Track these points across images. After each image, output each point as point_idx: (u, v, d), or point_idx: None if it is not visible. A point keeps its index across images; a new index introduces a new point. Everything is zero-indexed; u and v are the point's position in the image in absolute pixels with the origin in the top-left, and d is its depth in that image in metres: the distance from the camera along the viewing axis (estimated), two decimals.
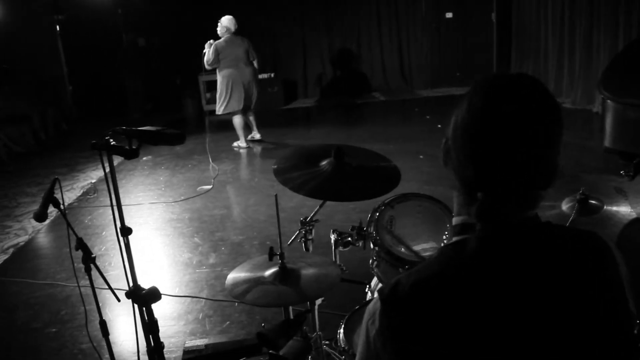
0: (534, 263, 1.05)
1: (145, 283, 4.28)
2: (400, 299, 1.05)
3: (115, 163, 7.08)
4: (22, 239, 5.70)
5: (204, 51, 8.06)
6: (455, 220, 1.16)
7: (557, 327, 1.03)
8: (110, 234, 5.54)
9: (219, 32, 8.14)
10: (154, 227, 5.68)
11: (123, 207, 6.49)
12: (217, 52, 8.03)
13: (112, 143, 1.85)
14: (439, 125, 9.03)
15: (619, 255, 1.13)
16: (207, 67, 8.14)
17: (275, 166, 2.33)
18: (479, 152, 1.06)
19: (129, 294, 2.00)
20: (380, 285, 2.75)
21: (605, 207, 2.58)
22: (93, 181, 7.41)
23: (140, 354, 2.45)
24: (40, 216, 2.73)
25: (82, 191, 7.04)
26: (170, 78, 12.24)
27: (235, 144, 8.64)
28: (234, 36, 8.12)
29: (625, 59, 5.45)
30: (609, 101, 5.11)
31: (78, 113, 11.70)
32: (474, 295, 1.02)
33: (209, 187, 6.79)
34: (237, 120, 8.38)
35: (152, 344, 2.03)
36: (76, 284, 4.48)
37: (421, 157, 7.20)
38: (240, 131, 8.46)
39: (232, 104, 8.22)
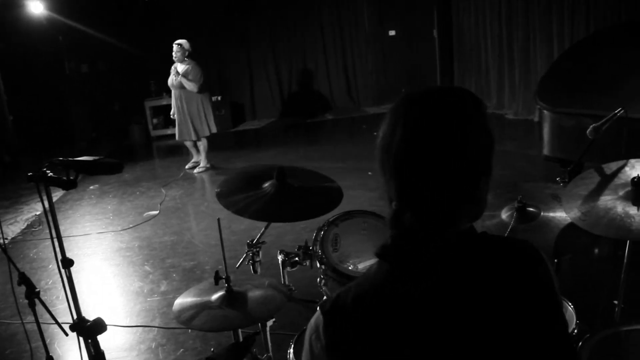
0: (468, 273, 1.07)
1: (94, 315, 4.19)
2: (342, 313, 1.07)
3: (61, 193, 6.92)
4: None
5: (174, 77, 7.80)
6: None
7: (494, 335, 1.06)
8: (57, 266, 5.39)
9: (179, 54, 7.76)
10: (103, 257, 5.57)
11: (70, 238, 6.33)
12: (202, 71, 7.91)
13: (49, 174, 1.83)
14: None
15: (549, 263, 1.16)
16: (195, 89, 7.80)
17: (218, 189, 2.34)
18: (384, 166, 1.10)
19: (73, 327, 1.96)
20: None
21: (542, 213, 2.67)
22: (37, 213, 7.22)
23: None
24: None
25: (26, 224, 6.85)
26: (116, 104, 12.07)
27: (200, 169, 8.40)
28: None
29: (558, 71, 5.68)
30: (545, 111, 5.31)
31: (20, 144, 11.38)
32: (410, 307, 1.05)
33: (156, 212, 6.72)
34: (207, 142, 8.30)
35: None
36: (20, 322, 4.37)
37: (370, 173, 7.28)
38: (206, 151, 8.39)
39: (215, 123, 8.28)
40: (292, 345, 2.11)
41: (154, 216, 6.61)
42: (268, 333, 2.53)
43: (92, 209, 7.12)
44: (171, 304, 4.34)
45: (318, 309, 1.11)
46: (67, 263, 1.96)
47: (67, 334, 3.21)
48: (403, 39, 12.91)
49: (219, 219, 2.01)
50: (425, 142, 1.05)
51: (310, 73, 12.96)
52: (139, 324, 4.14)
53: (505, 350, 1.06)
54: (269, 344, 2.70)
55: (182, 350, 3.77)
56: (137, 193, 7.67)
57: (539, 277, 1.13)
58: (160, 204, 7.03)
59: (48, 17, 10.53)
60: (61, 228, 6.43)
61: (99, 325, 1.94)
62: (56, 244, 1.95)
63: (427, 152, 1.04)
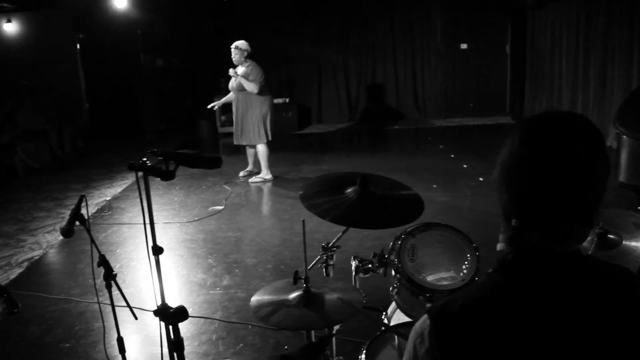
0: (581, 294, 1.12)
1: (156, 301, 4.30)
2: (450, 319, 1.11)
3: (129, 182, 7.15)
4: (37, 253, 5.76)
5: (234, 79, 7.53)
6: (498, 247, 1.22)
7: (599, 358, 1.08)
8: (124, 251, 5.58)
9: (237, 56, 7.53)
10: (168, 246, 5.69)
11: (138, 226, 6.53)
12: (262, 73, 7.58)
13: (149, 164, 1.90)
14: (452, 155, 9.07)
15: None
16: (255, 90, 7.47)
17: (301, 192, 2.38)
18: (513, 185, 1.14)
19: (156, 312, 2.03)
20: (397, 311, 2.78)
21: (624, 242, 2.59)
22: (107, 199, 7.48)
23: None
24: (67, 232, 2.79)
25: (96, 208, 7.10)
26: (186, 99, 12.39)
27: (258, 178, 8.05)
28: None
29: None
30: (624, 137, 5.15)
31: (93, 131, 11.84)
32: (515, 320, 1.09)
33: (221, 207, 6.84)
34: (267, 150, 7.87)
35: None
36: (90, 301, 4.55)
37: (434, 186, 7.23)
38: (267, 160, 7.96)
39: (272, 130, 7.84)
40: (364, 351, 2.12)
41: (219, 211, 6.73)
42: (334, 337, 2.55)
43: (160, 199, 7.29)
44: (233, 298, 4.46)
45: (425, 315, 1.16)
46: (158, 250, 2.03)
47: (136, 318, 3.32)
48: (475, 53, 12.78)
49: (303, 221, 2.04)
50: (556, 165, 1.09)
51: (379, 81, 12.97)
52: (201, 315, 4.22)
53: None
54: (334, 348, 2.73)
55: (241, 345, 3.82)
56: (203, 187, 7.83)
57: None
58: (225, 200, 7.15)
59: (129, 11, 10.90)
60: (129, 215, 6.63)
61: (182, 313, 2.00)
62: (149, 231, 2.01)
63: (557, 175, 1.09)
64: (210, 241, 5.75)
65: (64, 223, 2.78)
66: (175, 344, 2.04)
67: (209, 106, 8.16)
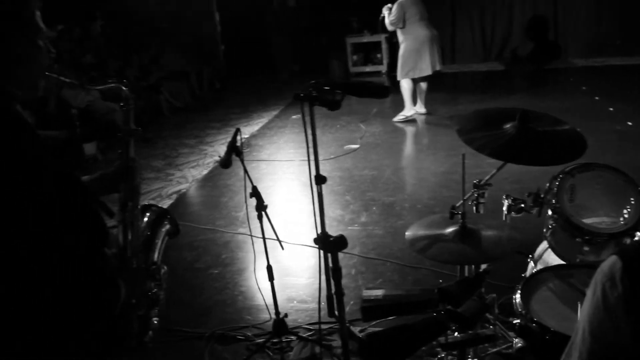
0: None
1: (298, 235, 4.47)
2: None
3: (266, 120, 7.34)
4: (184, 186, 6.15)
5: (382, 16, 7.56)
6: None
7: None
8: (263, 187, 5.73)
9: None
10: (306, 183, 5.84)
11: (275, 162, 6.74)
12: (402, 11, 7.41)
13: (314, 94, 1.95)
14: (597, 98, 8.50)
15: None
16: (389, 28, 7.59)
17: (457, 127, 2.35)
18: None
19: (317, 240, 2.12)
20: (545, 253, 2.71)
21: None
22: (246, 136, 7.77)
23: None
24: (226, 163, 2.98)
25: None
26: (318, 39, 12.44)
27: (399, 117, 7.95)
28: None
29: None
30: None
31: (229, 71, 12.24)
32: None
33: (356, 146, 6.91)
34: (409, 87, 7.79)
35: (334, 289, 2.15)
36: (234, 232, 4.82)
37: (578, 130, 6.83)
38: (410, 97, 7.86)
39: (423, 68, 7.66)
40: (519, 291, 2.09)
41: (354, 150, 6.80)
42: None
43: (296, 137, 7.43)
44: (370, 235, 4.54)
45: (615, 256, 1.06)
46: (320, 180, 2.11)
47: (283, 248, 3.48)
48: None
49: (463, 155, 2.02)
50: None
51: (516, 19, 12.27)
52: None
53: None
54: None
55: (380, 280, 3.90)
56: (338, 126, 7.87)
57: None
58: (360, 139, 7.20)
59: None
60: (267, 152, 6.85)
61: (342, 242, 2.08)
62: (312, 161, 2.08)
63: None
64: (347, 179, 5.84)
65: (222, 155, 2.97)
66: (334, 271, 2.12)
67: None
